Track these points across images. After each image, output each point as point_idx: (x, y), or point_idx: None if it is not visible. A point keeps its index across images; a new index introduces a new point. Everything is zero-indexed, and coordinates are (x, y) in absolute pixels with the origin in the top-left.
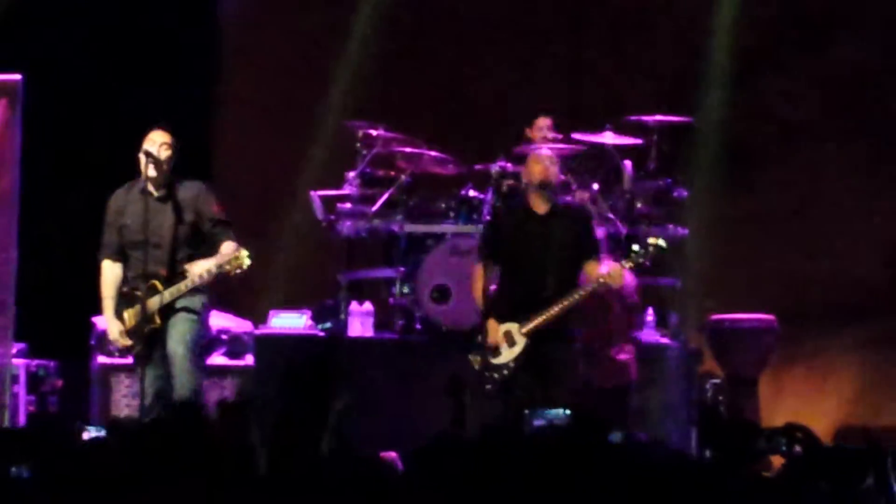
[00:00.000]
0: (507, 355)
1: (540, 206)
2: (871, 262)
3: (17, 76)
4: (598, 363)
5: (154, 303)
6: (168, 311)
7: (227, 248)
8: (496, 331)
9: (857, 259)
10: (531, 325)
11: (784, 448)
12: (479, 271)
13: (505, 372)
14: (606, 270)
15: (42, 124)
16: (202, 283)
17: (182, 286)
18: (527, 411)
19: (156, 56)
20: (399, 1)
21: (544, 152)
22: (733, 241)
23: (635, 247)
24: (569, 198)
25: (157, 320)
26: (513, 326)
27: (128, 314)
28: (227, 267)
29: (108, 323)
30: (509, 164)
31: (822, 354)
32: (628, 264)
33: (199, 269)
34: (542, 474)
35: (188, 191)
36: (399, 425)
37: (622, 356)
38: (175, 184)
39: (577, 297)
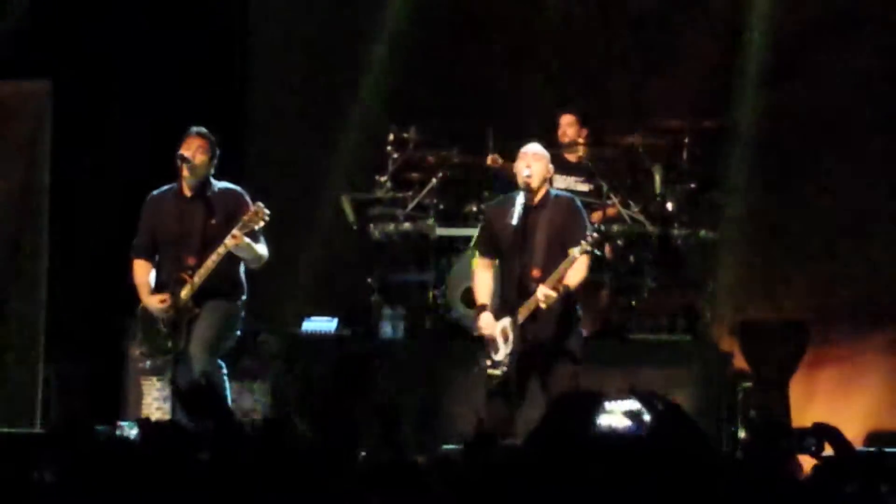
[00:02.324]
0: (504, 351)
1: (529, 200)
2: None
3: (47, 82)
4: None
5: (186, 291)
6: (201, 300)
7: (246, 215)
8: (490, 325)
9: (888, 261)
10: (519, 318)
11: (814, 449)
12: (478, 270)
13: (504, 368)
14: (539, 291)
15: (72, 129)
16: (236, 244)
17: (209, 263)
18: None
19: (186, 58)
20: (428, 4)
21: (526, 148)
22: (764, 243)
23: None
24: (557, 190)
25: (194, 308)
26: (506, 322)
27: (165, 315)
28: (250, 223)
29: (147, 300)
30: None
31: (853, 357)
32: (580, 251)
33: (232, 232)
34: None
35: (223, 195)
36: (429, 429)
37: None
38: (209, 185)
39: (525, 310)
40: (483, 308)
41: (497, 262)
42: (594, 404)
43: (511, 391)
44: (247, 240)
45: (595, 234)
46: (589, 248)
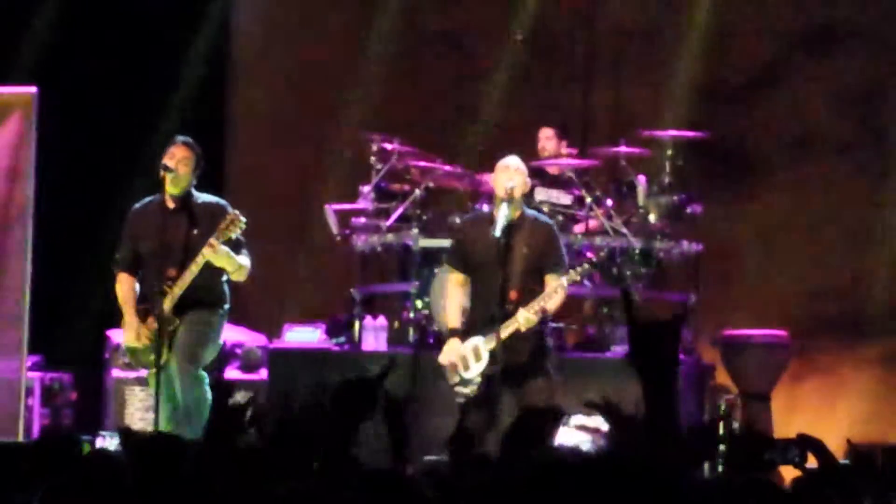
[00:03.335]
0: (474, 370)
1: (498, 219)
2: (885, 278)
3: (33, 88)
4: None
5: (167, 302)
6: (183, 310)
7: (223, 223)
8: (452, 351)
9: (870, 274)
10: (494, 340)
11: (797, 460)
12: (448, 283)
13: (473, 387)
14: (519, 314)
15: (57, 137)
16: (214, 252)
17: (188, 273)
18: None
19: (169, 69)
20: (411, 15)
21: (507, 161)
22: (746, 256)
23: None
24: (534, 210)
25: (175, 319)
26: (479, 340)
27: (146, 327)
28: (227, 232)
29: (127, 326)
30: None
31: (836, 370)
32: (568, 280)
33: (209, 241)
34: None
35: (206, 206)
36: (414, 440)
37: None
38: (193, 196)
39: (504, 332)
40: (453, 333)
41: (467, 277)
42: (554, 420)
43: (482, 408)
44: (224, 248)
45: (587, 266)
46: (578, 279)
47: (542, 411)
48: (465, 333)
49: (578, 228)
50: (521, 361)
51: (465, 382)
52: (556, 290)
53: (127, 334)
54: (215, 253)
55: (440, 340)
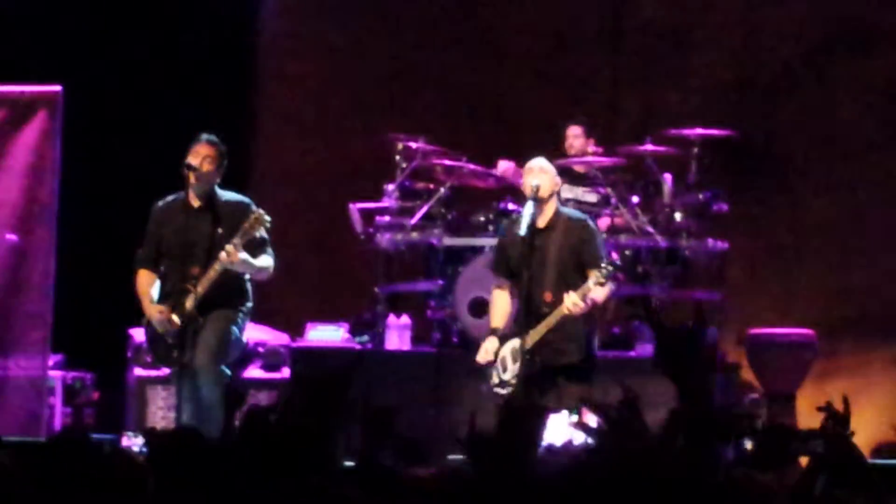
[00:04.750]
0: (511, 371)
1: (540, 219)
2: None
3: (58, 87)
4: None
5: (190, 301)
6: (206, 309)
7: (247, 222)
8: (488, 351)
9: None
10: (529, 342)
11: (819, 450)
12: (495, 291)
13: (509, 388)
14: (565, 298)
15: (81, 135)
16: (231, 261)
17: (211, 272)
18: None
19: (194, 67)
20: (435, 13)
21: (533, 163)
22: (773, 255)
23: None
24: (569, 209)
25: (198, 317)
26: (516, 343)
27: (170, 326)
28: (251, 231)
29: (148, 310)
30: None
31: (861, 369)
32: (594, 283)
33: (227, 248)
34: None
35: (229, 205)
36: (434, 439)
37: None
38: (217, 195)
39: (544, 326)
40: (494, 332)
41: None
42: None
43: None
44: (242, 256)
45: (610, 267)
46: (603, 280)
47: (526, 409)
48: (504, 335)
49: (603, 224)
50: (561, 363)
51: (503, 384)
52: (597, 283)
53: (151, 316)
54: (232, 262)
55: (465, 340)
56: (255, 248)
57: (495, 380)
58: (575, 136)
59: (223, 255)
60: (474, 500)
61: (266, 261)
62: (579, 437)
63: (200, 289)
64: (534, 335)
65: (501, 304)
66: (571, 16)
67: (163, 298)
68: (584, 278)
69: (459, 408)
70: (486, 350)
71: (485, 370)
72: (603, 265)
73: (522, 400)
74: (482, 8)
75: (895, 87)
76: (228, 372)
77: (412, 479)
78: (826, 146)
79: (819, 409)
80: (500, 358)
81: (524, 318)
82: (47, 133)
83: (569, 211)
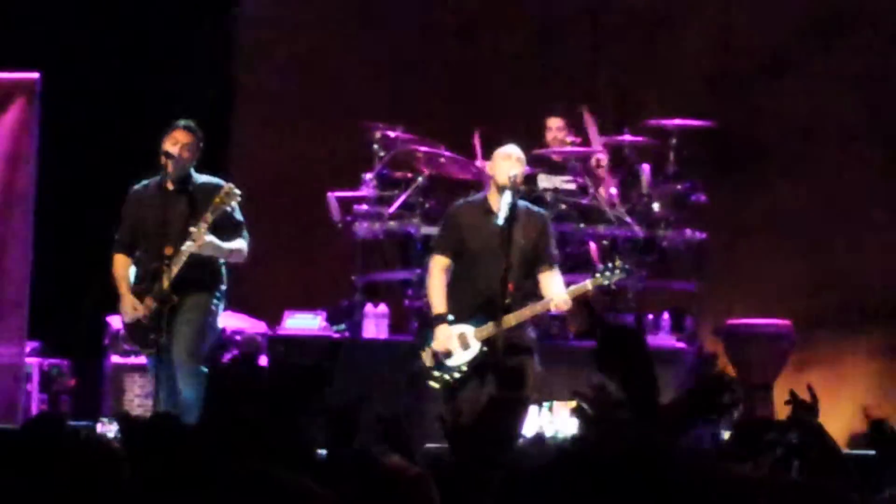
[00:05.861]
0: (459, 358)
1: (500, 207)
2: (890, 268)
3: (35, 74)
4: None
5: (165, 280)
6: (180, 289)
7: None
8: (448, 338)
9: (875, 264)
10: (486, 332)
11: (795, 441)
12: (435, 267)
13: (456, 374)
14: (556, 296)
15: (58, 122)
16: (198, 245)
17: (182, 255)
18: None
19: (173, 52)
20: (415, 1)
21: (510, 150)
22: (750, 246)
23: (602, 266)
24: (525, 201)
25: (173, 296)
26: (468, 329)
27: (144, 305)
28: (222, 206)
29: (123, 300)
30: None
31: (838, 360)
32: (592, 284)
33: (192, 231)
34: None
35: (205, 187)
36: (413, 429)
37: None
38: (192, 177)
39: (529, 312)
40: (443, 318)
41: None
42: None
43: (456, 397)
44: (209, 239)
45: (618, 272)
46: (606, 283)
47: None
48: (454, 318)
49: (581, 216)
50: (521, 348)
51: (445, 369)
52: (583, 289)
53: (124, 308)
54: (199, 247)
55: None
56: (229, 230)
57: (430, 363)
58: (559, 129)
59: (188, 242)
60: (454, 488)
61: (239, 243)
62: (568, 426)
63: (174, 268)
64: (500, 324)
65: (442, 287)
66: (551, 4)
67: (138, 280)
68: (536, 271)
69: (437, 397)
70: (445, 337)
71: (416, 349)
72: (617, 266)
73: (499, 391)
74: None
75: (873, 77)
76: (205, 369)
77: (389, 468)
78: (804, 136)
79: (786, 402)
80: (444, 350)
81: (484, 305)
82: (25, 121)
83: (525, 203)
